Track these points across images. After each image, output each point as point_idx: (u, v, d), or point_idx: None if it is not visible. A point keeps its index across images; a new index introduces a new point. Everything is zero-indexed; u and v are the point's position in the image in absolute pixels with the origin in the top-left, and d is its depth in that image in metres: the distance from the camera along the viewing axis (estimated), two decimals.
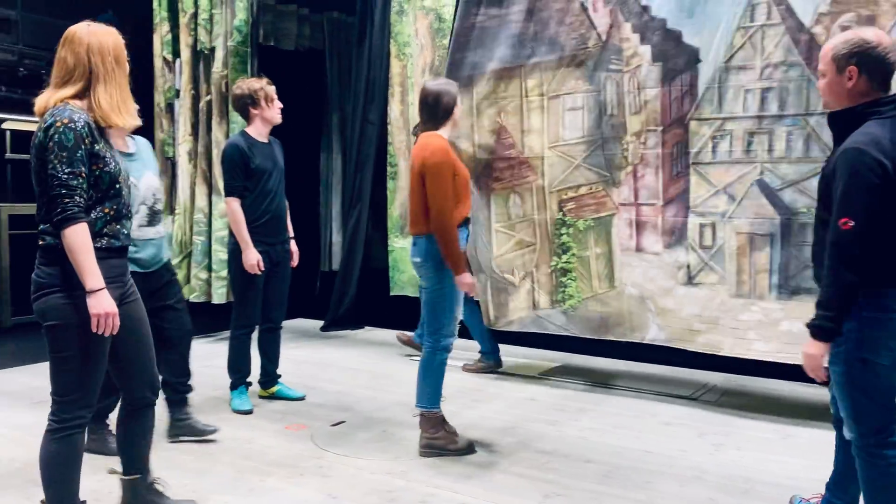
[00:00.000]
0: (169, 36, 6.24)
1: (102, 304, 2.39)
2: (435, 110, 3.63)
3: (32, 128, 2.52)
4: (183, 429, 3.71)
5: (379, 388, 4.81)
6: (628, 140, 4.55)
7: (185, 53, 6.15)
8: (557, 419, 4.19)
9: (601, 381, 4.97)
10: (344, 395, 4.63)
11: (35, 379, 4.95)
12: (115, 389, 3.49)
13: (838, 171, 2.30)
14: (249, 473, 3.36)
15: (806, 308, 3.90)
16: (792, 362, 3.99)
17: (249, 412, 4.17)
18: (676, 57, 4.36)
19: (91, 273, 2.37)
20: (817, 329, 2.35)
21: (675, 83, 4.37)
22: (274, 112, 4.24)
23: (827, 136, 3.81)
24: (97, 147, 2.43)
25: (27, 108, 7.86)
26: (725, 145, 4.26)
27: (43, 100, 2.47)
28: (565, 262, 4.80)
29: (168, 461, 3.48)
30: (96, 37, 2.48)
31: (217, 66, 6.06)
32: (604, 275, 4.70)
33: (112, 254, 2.53)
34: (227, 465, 3.46)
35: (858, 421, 2.39)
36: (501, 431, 3.97)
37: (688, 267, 4.41)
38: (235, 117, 5.77)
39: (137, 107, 2.60)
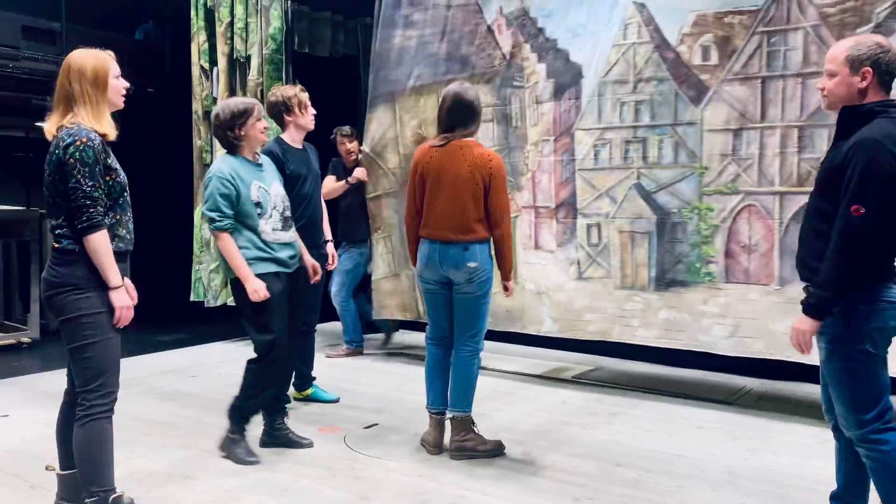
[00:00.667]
0: (206, 45, 6.36)
1: (124, 299, 2.69)
2: (476, 114, 3.67)
3: None
4: (278, 438, 3.75)
5: (412, 391, 4.83)
6: (528, 149, 5.09)
7: (222, 62, 6.26)
8: (589, 422, 4.18)
9: (634, 385, 4.94)
10: (377, 397, 4.68)
11: None
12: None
13: (853, 161, 2.35)
14: (283, 474, 3.42)
15: (680, 298, 4.55)
16: (670, 347, 4.62)
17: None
18: (565, 73, 4.91)
19: (113, 272, 2.66)
20: (812, 307, 2.43)
21: (564, 97, 4.92)
22: (307, 119, 4.29)
23: (692, 143, 4.49)
24: (109, 161, 2.69)
25: None
26: (606, 153, 4.77)
27: (48, 126, 2.70)
28: None
29: (202, 462, 3.56)
30: (78, 62, 2.70)
31: (252, 74, 6.16)
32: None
33: (119, 257, 2.74)
34: (260, 466, 3.51)
35: (860, 411, 2.44)
36: (533, 434, 3.98)
37: (578, 263, 4.91)
38: (271, 124, 5.86)
39: (112, 122, 2.77)
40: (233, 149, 3.59)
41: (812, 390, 4.66)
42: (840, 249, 2.36)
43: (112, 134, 2.73)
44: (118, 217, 2.76)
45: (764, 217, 4.31)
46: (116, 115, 2.82)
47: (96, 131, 2.66)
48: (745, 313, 4.33)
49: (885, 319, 2.42)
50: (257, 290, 3.41)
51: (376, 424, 4.14)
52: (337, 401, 4.56)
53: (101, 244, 2.62)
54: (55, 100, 2.72)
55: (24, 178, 7.27)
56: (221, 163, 3.56)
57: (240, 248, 3.47)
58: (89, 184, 2.60)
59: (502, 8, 5.13)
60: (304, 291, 3.80)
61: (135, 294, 2.93)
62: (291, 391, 4.52)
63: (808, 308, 2.45)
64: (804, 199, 4.09)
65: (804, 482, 3.34)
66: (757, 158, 4.29)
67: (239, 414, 3.60)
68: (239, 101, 3.63)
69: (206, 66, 6.39)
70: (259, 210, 3.51)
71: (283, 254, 3.59)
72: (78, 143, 2.59)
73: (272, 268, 3.54)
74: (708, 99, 4.41)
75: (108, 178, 2.69)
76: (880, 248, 2.40)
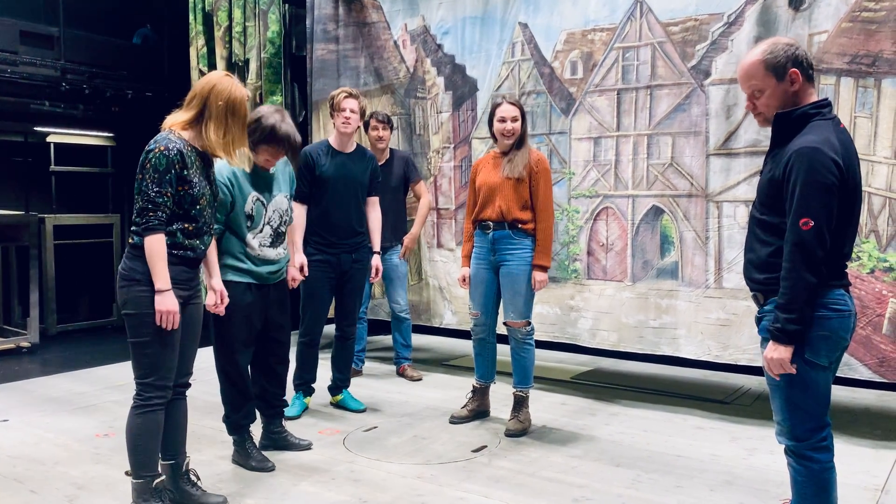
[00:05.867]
0: (205, 49, 6.39)
1: (166, 303, 2.75)
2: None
3: (75, 141, 2.75)
4: (276, 441, 3.75)
5: (411, 394, 4.85)
6: (431, 155, 5.60)
7: (220, 66, 6.29)
8: (588, 423, 4.19)
9: (632, 386, 4.96)
10: (377, 400, 4.68)
11: (77, 385, 5.10)
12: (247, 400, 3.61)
13: (794, 172, 2.24)
14: (282, 477, 3.42)
15: (552, 294, 4.93)
16: (543, 340, 4.89)
17: (292, 418, 4.18)
18: (462, 86, 5.41)
19: (160, 276, 2.75)
20: (781, 332, 2.27)
21: (462, 108, 5.42)
22: (338, 121, 4.25)
23: (563, 150, 4.96)
24: (185, 172, 2.80)
25: (70, 122, 8.12)
26: None
27: (166, 122, 2.90)
28: None
29: (201, 466, 3.56)
30: (223, 84, 2.87)
31: (251, 78, 6.18)
32: (415, 269, 5.75)
33: (185, 262, 2.87)
34: (260, 469, 3.51)
35: (795, 424, 2.37)
36: (532, 435, 3.98)
37: None
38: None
39: (247, 153, 3.00)
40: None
41: None
42: (796, 267, 2.24)
43: (230, 159, 2.90)
44: (188, 227, 2.84)
45: (619, 218, 4.73)
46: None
47: (192, 144, 2.81)
48: (602, 307, 4.79)
49: (828, 327, 2.30)
50: (212, 304, 3.29)
51: (375, 427, 4.15)
52: (363, 411, 4.44)
53: (153, 248, 2.73)
54: (187, 104, 2.89)
55: (23, 183, 7.28)
56: (225, 166, 3.37)
57: (222, 251, 3.42)
58: (155, 189, 2.73)
59: (407, 25, 5.63)
60: (280, 302, 3.65)
61: (226, 299, 3.20)
62: (327, 396, 4.55)
63: (778, 335, 2.28)
64: (653, 202, 4.60)
65: None
66: (613, 164, 4.76)
67: (230, 425, 3.59)
68: (254, 115, 3.38)
69: (205, 69, 6.40)
70: (249, 223, 3.43)
71: (265, 270, 3.50)
72: (157, 149, 2.75)
73: (246, 278, 3.45)
74: (574, 110, 4.91)
75: (179, 189, 2.79)
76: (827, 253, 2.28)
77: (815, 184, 2.22)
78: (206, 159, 2.93)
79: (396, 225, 5.15)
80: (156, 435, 2.89)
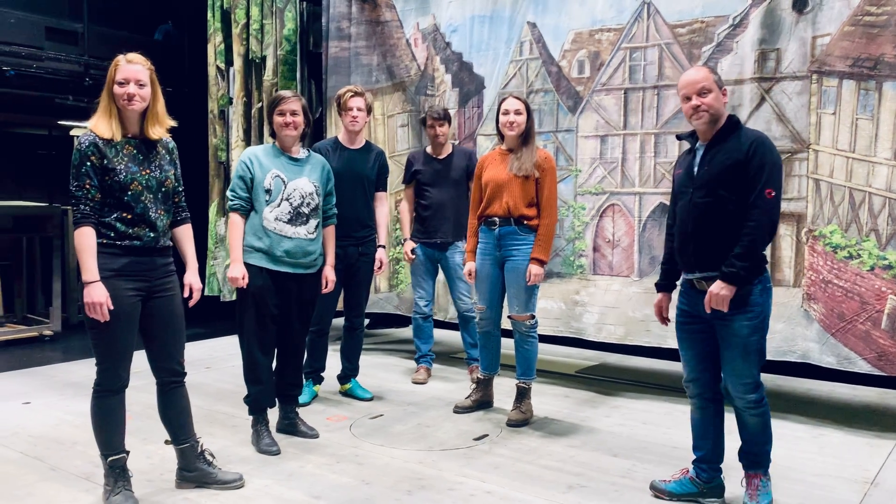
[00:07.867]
0: (222, 46, 6.53)
1: (91, 295, 2.77)
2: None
3: None
4: (286, 427, 3.90)
5: (418, 384, 4.96)
6: None
7: (238, 62, 6.42)
8: (589, 415, 4.28)
9: (635, 380, 5.04)
10: (385, 390, 4.80)
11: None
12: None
13: (758, 155, 2.79)
14: (289, 460, 3.55)
15: (557, 289, 5.22)
16: (547, 334, 4.97)
17: (302, 405, 4.24)
18: (469, 84, 5.53)
19: (86, 268, 2.78)
20: (735, 276, 2.78)
21: (469, 105, 5.55)
22: (346, 119, 4.40)
23: (570, 148, 5.06)
24: (105, 161, 2.81)
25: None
26: None
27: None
28: (398, 253, 5.75)
29: (213, 448, 3.69)
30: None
31: (267, 75, 6.32)
32: None
33: (132, 252, 2.87)
34: (264, 453, 3.64)
35: (757, 376, 2.92)
36: (532, 425, 4.09)
37: None
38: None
39: (111, 122, 2.87)
40: (273, 134, 3.77)
41: (810, 386, 4.75)
42: (763, 226, 2.77)
43: (103, 131, 2.82)
44: (126, 215, 2.84)
45: (626, 215, 4.80)
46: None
47: (94, 132, 2.83)
48: (609, 302, 4.87)
49: (769, 280, 2.94)
50: (234, 278, 3.54)
51: (382, 415, 4.27)
52: (370, 399, 4.57)
53: (77, 241, 2.78)
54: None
55: (47, 175, 7.47)
56: (252, 147, 3.80)
57: (245, 230, 3.62)
58: (74, 184, 2.80)
59: (419, 24, 5.76)
60: (307, 294, 3.78)
61: (196, 293, 3.10)
62: (336, 384, 4.67)
63: (733, 277, 2.78)
64: (660, 199, 4.67)
65: (796, 474, 3.42)
66: (620, 162, 4.86)
67: (247, 404, 3.76)
68: (281, 91, 3.82)
69: (223, 66, 6.55)
70: (267, 197, 3.61)
71: (280, 248, 3.60)
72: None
73: (260, 261, 3.58)
74: (582, 108, 4.98)
75: (105, 178, 2.81)
76: None
77: (775, 163, 2.81)
78: (147, 146, 2.92)
79: (458, 220, 4.90)
80: (95, 417, 3.00)
